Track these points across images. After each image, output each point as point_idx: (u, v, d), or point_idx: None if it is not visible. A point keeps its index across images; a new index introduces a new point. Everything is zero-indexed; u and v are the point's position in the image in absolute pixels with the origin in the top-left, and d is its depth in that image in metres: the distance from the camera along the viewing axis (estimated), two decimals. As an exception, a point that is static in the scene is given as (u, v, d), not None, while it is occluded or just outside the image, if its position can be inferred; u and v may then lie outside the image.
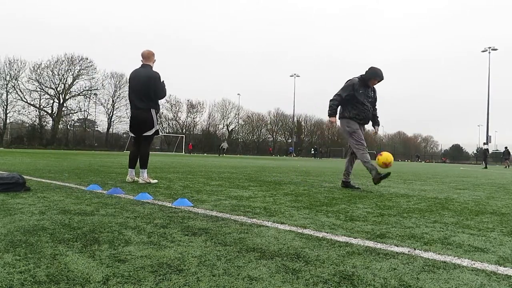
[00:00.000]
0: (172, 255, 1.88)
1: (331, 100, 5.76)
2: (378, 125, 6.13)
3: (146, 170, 5.43)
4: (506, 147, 30.71)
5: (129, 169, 5.58)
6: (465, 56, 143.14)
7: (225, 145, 39.48)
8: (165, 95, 5.53)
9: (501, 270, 1.84)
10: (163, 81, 5.47)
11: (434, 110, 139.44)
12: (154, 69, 5.60)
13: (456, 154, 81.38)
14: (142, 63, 5.55)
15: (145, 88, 5.33)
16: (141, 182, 5.32)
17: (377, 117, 6.05)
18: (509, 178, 10.92)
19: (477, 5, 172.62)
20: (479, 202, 4.55)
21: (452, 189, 6.41)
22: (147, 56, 5.56)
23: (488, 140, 57.40)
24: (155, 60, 5.65)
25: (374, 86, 5.91)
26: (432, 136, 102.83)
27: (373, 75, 5.69)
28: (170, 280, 1.54)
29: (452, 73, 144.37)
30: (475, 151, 76.64)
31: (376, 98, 5.96)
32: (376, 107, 6.02)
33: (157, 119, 5.52)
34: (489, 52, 56.15)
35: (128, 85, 5.67)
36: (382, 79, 5.75)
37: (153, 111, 5.42)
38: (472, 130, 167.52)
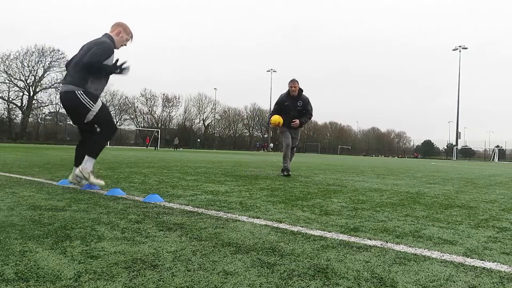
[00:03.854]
0: (146, 250, 1.86)
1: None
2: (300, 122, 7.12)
3: (93, 160, 3.93)
4: None
5: (74, 167, 4.10)
6: (438, 53, 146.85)
7: (176, 141, 48.39)
8: (94, 61, 3.81)
9: (468, 261, 1.91)
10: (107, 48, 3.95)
11: (408, 106, 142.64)
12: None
13: (427, 149, 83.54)
14: None
15: (79, 57, 3.98)
16: (76, 172, 3.89)
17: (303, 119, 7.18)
18: (477, 173, 11.32)
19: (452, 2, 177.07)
20: (449, 196, 4.70)
21: (423, 183, 6.59)
22: (111, 27, 4.30)
23: (457, 136, 59.30)
24: (123, 38, 4.26)
25: (302, 96, 7.08)
26: (405, 132, 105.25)
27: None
28: (144, 276, 1.52)
29: (426, 72, 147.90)
30: (445, 147, 78.92)
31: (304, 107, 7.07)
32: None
33: (89, 98, 3.88)
34: (460, 51, 57.92)
35: None
36: (291, 85, 7.02)
37: (78, 92, 3.85)
38: (443, 126, 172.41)
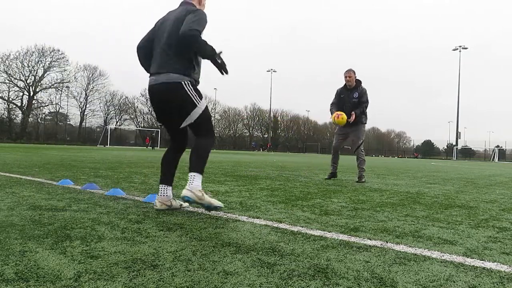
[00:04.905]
0: (146, 250, 1.86)
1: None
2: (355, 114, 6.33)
3: (200, 176, 2.84)
4: None
5: (159, 185, 3.08)
6: (436, 53, 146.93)
7: None
8: (199, 30, 2.75)
9: (468, 261, 1.91)
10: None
11: (408, 106, 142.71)
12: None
13: (427, 149, 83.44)
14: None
15: (173, 34, 2.86)
16: (184, 193, 2.75)
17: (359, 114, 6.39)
18: (477, 173, 11.31)
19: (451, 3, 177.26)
20: (449, 196, 4.70)
21: (423, 183, 6.58)
22: None
23: (457, 136, 59.31)
24: (204, 5, 3.20)
25: (360, 88, 6.42)
26: (405, 132, 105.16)
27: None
28: (145, 276, 1.52)
29: (424, 73, 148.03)
30: (445, 147, 78.89)
31: (360, 99, 6.38)
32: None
33: (196, 91, 2.91)
34: (460, 51, 57.99)
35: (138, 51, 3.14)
36: (347, 75, 6.42)
37: (185, 83, 2.85)
38: (443, 126, 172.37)
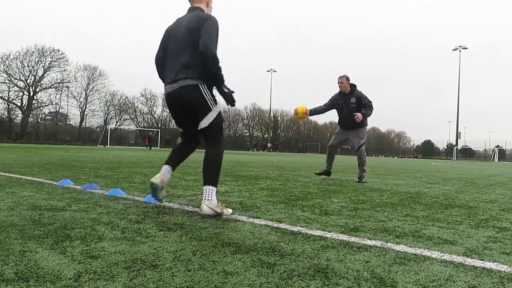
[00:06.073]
0: (146, 250, 1.86)
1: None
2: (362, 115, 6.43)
3: (215, 189, 2.89)
4: None
5: (163, 165, 3.18)
6: (439, 53, 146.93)
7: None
8: (213, 51, 2.82)
9: (468, 261, 1.91)
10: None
11: (409, 106, 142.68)
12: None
13: (427, 149, 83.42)
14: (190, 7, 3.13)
15: (188, 42, 2.90)
16: (205, 211, 2.79)
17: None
18: (477, 173, 11.31)
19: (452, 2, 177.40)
20: (449, 196, 4.70)
21: (423, 183, 6.58)
22: None
23: (457, 136, 59.30)
24: (211, 8, 3.19)
25: (356, 92, 6.45)
26: (405, 132, 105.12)
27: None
28: (144, 276, 1.52)
29: (427, 72, 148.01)
30: (445, 147, 78.86)
31: (360, 104, 6.43)
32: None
33: (212, 96, 2.95)
34: (460, 51, 58.03)
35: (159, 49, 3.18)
36: (339, 81, 6.51)
37: (202, 86, 2.90)
38: (443, 126, 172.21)
